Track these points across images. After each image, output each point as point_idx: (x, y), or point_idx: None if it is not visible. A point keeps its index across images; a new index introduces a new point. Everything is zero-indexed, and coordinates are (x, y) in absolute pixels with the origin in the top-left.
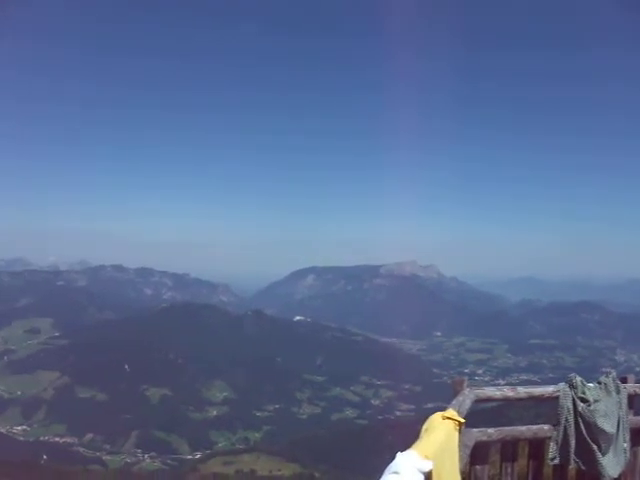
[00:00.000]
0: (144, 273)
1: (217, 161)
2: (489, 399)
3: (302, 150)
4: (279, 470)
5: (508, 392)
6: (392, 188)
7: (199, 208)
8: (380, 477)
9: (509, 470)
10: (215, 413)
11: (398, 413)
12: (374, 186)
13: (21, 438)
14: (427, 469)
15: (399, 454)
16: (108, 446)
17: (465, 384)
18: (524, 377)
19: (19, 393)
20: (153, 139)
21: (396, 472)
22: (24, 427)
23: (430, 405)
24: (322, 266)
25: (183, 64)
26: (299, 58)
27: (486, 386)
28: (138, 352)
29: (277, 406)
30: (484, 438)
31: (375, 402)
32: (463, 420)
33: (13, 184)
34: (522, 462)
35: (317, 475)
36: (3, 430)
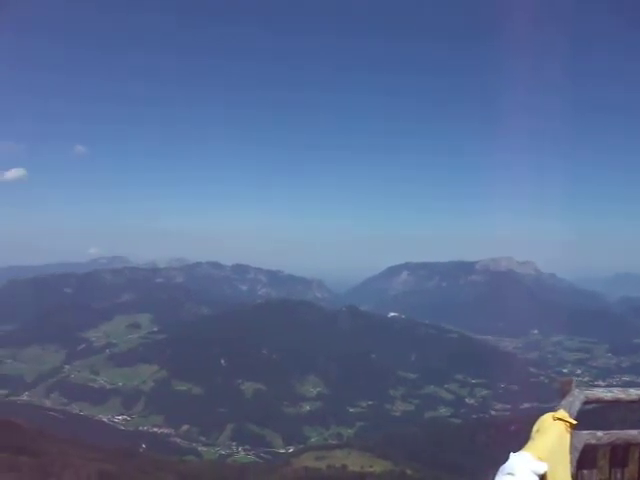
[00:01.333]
0: (240, 270)
1: (311, 160)
2: (599, 401)
3: (398, 150)
4: (371, 466)
5: (619, 394)
6: (487, 185)
7: (292, 205)
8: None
9: (619, 476)
10: (308, 408)
11: (493, 413)
12: (470, 183)
13: (122, 427)
14: (542, 471)
15: (512, 455)
16: (203, 438)
17: (574, 384)
18: (626, 379)
19: (120, 385)
20: (249, 140)
21: (510, 473)
22: (125, 417)
23: (526, 405)
24: (416, 262)
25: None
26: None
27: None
28: (233, 347)
29: (370, 402)
30: (593, 441)
31: (469, 401)
32: (575, 422)
33: (114, 184)
34: (633, 468)
35: (409, 473)
36: (105, 419)
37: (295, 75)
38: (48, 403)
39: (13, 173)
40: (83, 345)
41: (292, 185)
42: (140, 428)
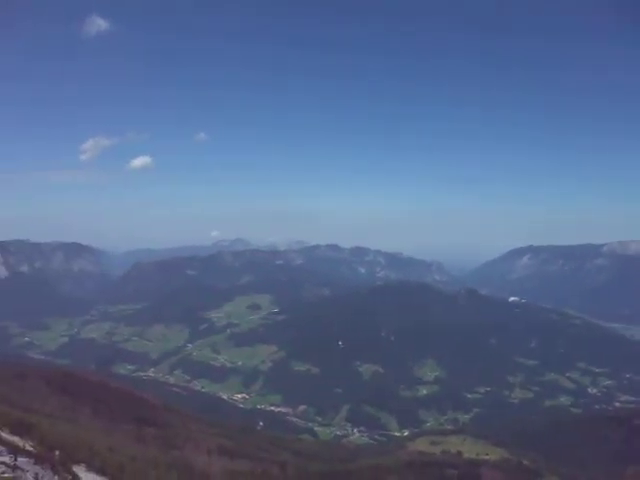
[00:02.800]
0: (358, 252)
1: (431, 144)
2: None
3: (527, 131)
4: (486, 454)
5: None
6: (614, 166)
7: (411, 188)
8: None
9: None
10: (425, 392)
11: (617, 404)
12: (595, 164)
13: (240, 405)
14: None
15: None
16: (320, 418)
17: None
18: None
19: (240, 364)
20: (366, 126)
21: None
22: (243, 395)
23: None
24: (538, 245)
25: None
26: None
27: None
28: (352, 329)
29: (488, 389)
30: None
31: (592, 390)
32: None
33: (234, 169)
34: None
35: (525, 463)
36: (225, 396)
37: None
38: (172, 379)
39: (139, 161)
40: (205, 325)
41: (410, 168)
42: (258, 406)
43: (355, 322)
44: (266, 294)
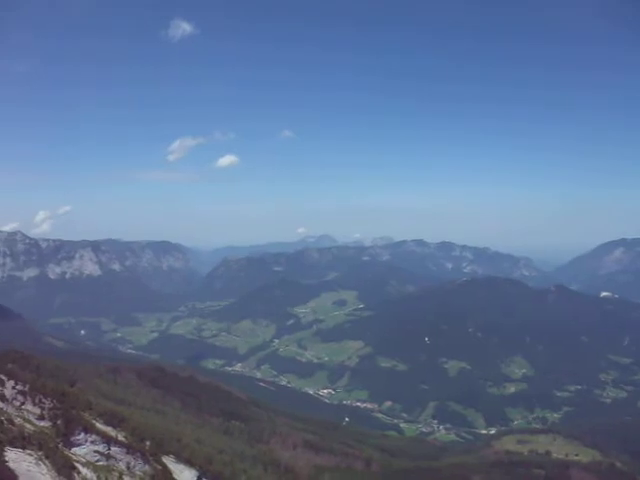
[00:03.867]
0: (445, 247)
1: (522, 139)
2: None
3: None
4: (576, 455)
5: None
6: None
7: (494, 179)
8: None
9: None
10: (513, 390)
11: None
12: None
13: (326, 400)
14: None
15: None
16: (405, 414)
17: None
18: None
19: (326, 359)
20: (447, 123)
21: None
22: (329, 390)
23: None
24: (632, 238)
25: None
26: None
27: None
28: (438, 325)
29: (579, 387)
30: None
31: None
32: None
33: (320, 165)
34: None
35: (618, 465)
36: (311, 392)
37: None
38: (258, 374)
39: (226, 160)
40: (292, 320)
41: (497, 163)
42: (344, 402)
43: (441, 318)
44: (352, 290)
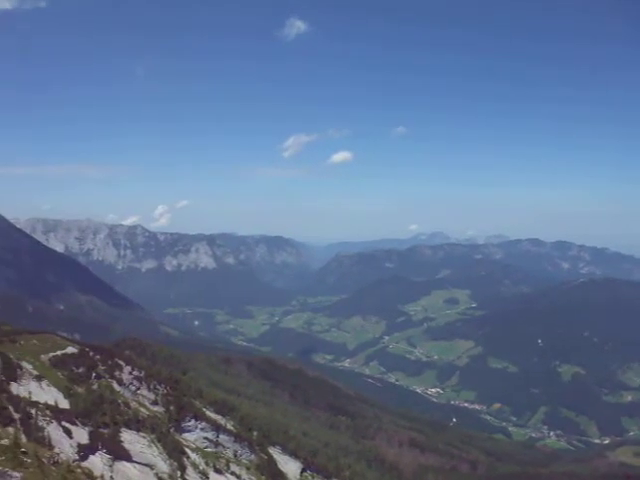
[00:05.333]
0: (561, 247)
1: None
2: None
3: None
4: None
5: None
6: None
7: (617, 176)
8: None
9: None
10: (630, 398)
11: None
12: None
13: (434, 399)
14: None
15: None
16: (514, 418)
17: None
18: None
19: (436, 358)
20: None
21: None
22: (438, 390)
23: None
24: None
25: None
26: None
27: None
28: (552, 327)
29: None
30: None
31: None
32: None
33: (433, 162)
34: None
35: None
36: (419, 390)
37: None
38: (367, 370)
39: (340, 156)
40: (402, 318)
41: (624, 159)
42: (452, 402)
43: (556, 320)
44: (464, 289)
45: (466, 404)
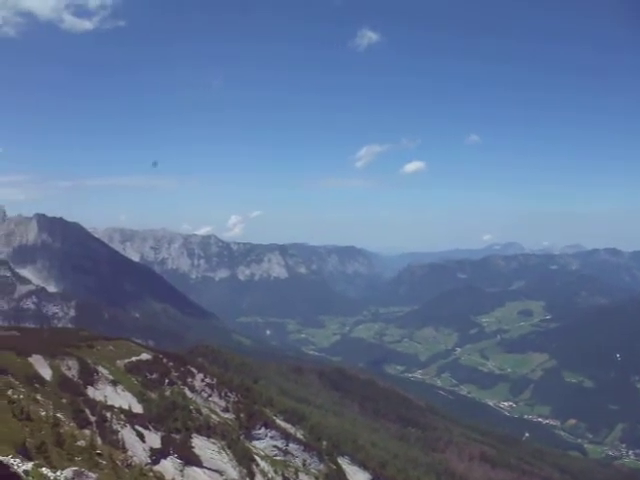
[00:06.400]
0: None
1: None
2: None
3: None
4: None
5: None
6: None
7: None
8: None
9: None
10: None
11: None
12: None
13: (506, 413)
14: None
15: None
16: (590, 435)
17: None
18: None
19: (509, 371)
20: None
21: None
22: (510, 403)
23: None
24: None
25: None
26: None
27: None
28: (631, 341)
29: None
30: None
31: None
32: None
33: (508, 171)
34: None
35: None
36: (491, 403)
37: None
38: (439, 382)
39: (413, 166)
40: (475, 329)
41: None
42: (525, 416)
43: (635, 334)
44: (539, 300)
45: (540, 419)
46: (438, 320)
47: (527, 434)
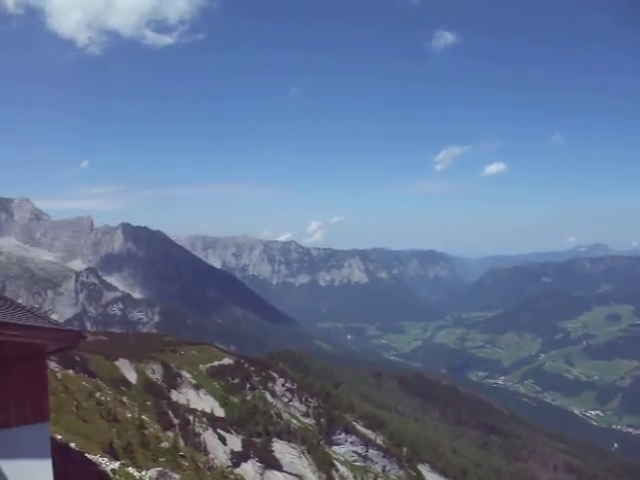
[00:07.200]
0: None
1: None
2: None
3: None
4: None
5: None
6: None
7: None
8: None
9: None
10: None
11: None
12: None
13: (593, 422)
14: None
15: None
16: None
17: None
18: None
19: (595, 378)
20: None
21: None
22: (597, 412)
23: None
24: None
25: None
26: None
27: None
28: None
29: None
30: None
31: None
32: None
33: (592, 171)
34: None
35: None
36: (577, 412)
37: None
38: (522, 389)
39: (493, 168)
40: (560, 335)
41: None
42: (613, 426)
43: None
44: (627, 304)
45: (630, 429)
46: (521, 325)
47: (616, 445)
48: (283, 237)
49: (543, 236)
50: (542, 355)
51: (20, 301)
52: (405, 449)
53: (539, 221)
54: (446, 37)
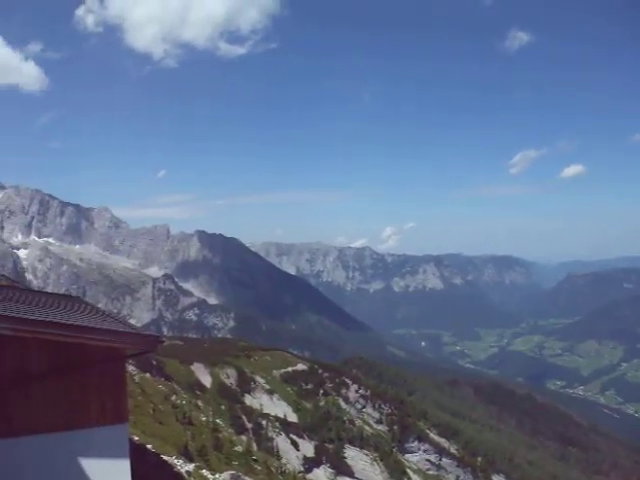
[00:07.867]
0: None
1: None
2: None
3: None
4: None
5: None
6: None
7: None
8: None
9: None
10: None
11: None
12: None
13: None
14: None
15: None
16: None
17: None
18: None
19: None
20: None
21: None
22: None
23: None
24: None
25: None
26: None
27: None
28: None
29: None
30: None
31: None
32: None
33: None
34: None
35: None
36: None
37: None
38: (602, 400)
39: (571, 170)
40: None
41: None
42: None
43: None
44: None
45: None
46: (602, 333)
47: None
48: (357, 243)
49: (625, 240)
50: (624, 364)
51: (99, 306)
52: (480, 459)
53: (620, 225)
54: (520, 36)
